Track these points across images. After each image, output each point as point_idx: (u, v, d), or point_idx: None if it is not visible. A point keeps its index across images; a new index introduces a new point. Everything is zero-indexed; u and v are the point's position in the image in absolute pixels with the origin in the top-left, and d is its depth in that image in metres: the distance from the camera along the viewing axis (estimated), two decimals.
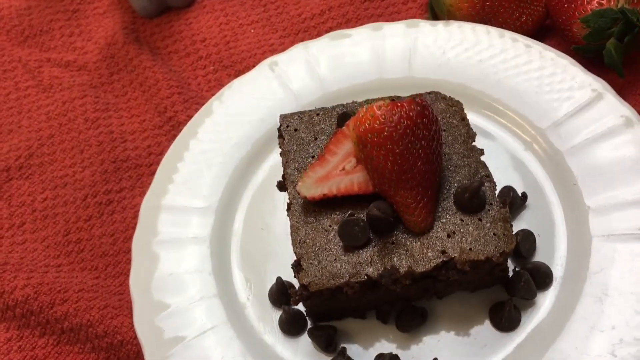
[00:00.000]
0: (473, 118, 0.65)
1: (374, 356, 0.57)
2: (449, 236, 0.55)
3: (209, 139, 0.70)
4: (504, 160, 0.65)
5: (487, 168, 0.58)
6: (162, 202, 0.66)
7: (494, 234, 0.54)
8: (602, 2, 0.66)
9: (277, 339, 0.59)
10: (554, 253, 0.59)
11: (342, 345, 0.58)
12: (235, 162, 0.69)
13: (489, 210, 0.55)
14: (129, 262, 0.67)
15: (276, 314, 0.60)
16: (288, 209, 0.59)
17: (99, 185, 0.74)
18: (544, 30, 0.74)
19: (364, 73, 0.72)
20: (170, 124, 0.76)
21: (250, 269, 0.63)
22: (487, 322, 0.57)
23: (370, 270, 0.54)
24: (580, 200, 0.60)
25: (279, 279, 0.60)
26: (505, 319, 0.56)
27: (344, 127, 0.57)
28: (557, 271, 0.58)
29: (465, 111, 0.63)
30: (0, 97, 0.84)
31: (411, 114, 0.53)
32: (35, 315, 0.65)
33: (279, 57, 0.74)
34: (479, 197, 0.55)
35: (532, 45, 0.68)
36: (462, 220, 0.55)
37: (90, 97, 0.81)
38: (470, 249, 0.53)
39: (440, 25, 0.72)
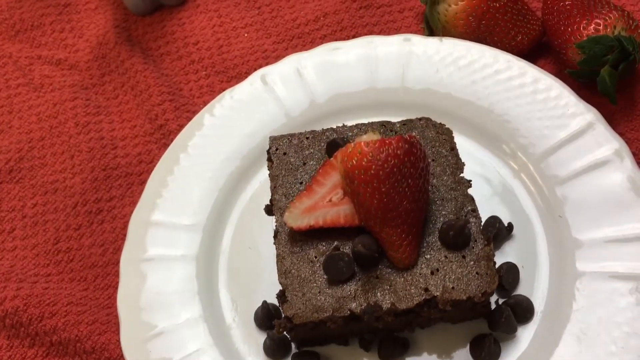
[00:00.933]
0: (462, 142, 0.65)
1: None
2: (432, 273, 0.55)
3: (198, 153, 0.70)
4: (491, 187, 0.65)
5: (473, 202, 0.58)
6: (150, 218, 0.67)
7: (477, 273, 0.55)
8: (599, 27, 0.65)
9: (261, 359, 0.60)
10: (537, 286, 0.60)
11: None
12: (225, 177, 0.69)
13: (473, 247, 0.56)
14: (117, 274, 0.67)
15: (261, 337, 0.61)
16: (275, 237, 0.59)
17: (89, 193, 0.74)
18: (539, 48, 0.73)
19: (356, 90, 0.71)
20: (161, 132, 0.76)
21: (237, 290, 0.64)
22: (468, 355, 0.58)
23: (354, 305, 0.55)
24: (566, 233, 0.60)
25: (264, 303, 0.61)
26: (486, 354, 0.57)
27: (332, 159, 0.57)
28: (539, 305, 0.59)
29: (455, 135, 0.63)
30: None
31: (399, 152, 0.53)
32: (24, 327, 0.66)
33: (271, 69, 0.73)
34: (464, 235, 0.55)
35: (527, 70, 0.68)
36: (446, 257, 0.56)
37: (81, 99, 0.80)
38: (453, 288, 0.54)
39: (435, 41, 0.71)
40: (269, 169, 0.63)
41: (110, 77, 0.82)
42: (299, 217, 0.57)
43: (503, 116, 0.66)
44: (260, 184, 0.69)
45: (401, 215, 0.54)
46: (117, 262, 0.68)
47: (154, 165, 0.71)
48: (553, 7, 0.69)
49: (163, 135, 0.76)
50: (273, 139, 0.64)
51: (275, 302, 0.60)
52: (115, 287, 0.66)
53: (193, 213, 0.67)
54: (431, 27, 0.74)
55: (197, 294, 0.63)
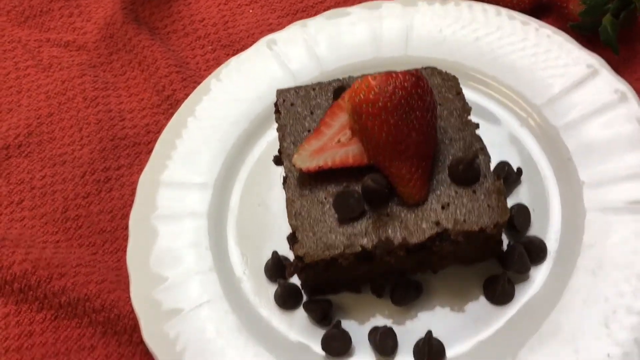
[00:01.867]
0: (469, 95, 0.65)
1: (368, 329, 0.57)
2: (443, 208, 0.55)
3: (206, 117, 0.70)
4: (499, 136, 0.65)
5: (481, 141, 0.58)
6: (160, 178, 0.67)
7: (488, 206, 0.54)
8: None
9: (272, 313, 0.60)
10: (548, 227, 0.59)
11: (337, 318, 0.58)
12: (233, 139, 0.69)
13: (483, 182, 0.55)
14: (126, 238, 0.67)
15: (272, 289, 0.61)
16: (284, 182, 0.59)
17: (97, 162, 0.74)
18: (540, 8, 0.74)
19: (361, 51, 0.72)
20: (169, 102, 0.77)
21: (247, 244, 0.64)
22: (481, 296, 0.57)
23: (365, 241, 0.54)
24: (575, 174, 0.60)
25: (274, 253, 0.61)
26: (499, 293, 0.56)
27: (339, 100, 0.57)
28: (552, 245, 0.58)
29: (462, 88, 0.63)
30: (0, 76, 0.85)
31: (406, 84, 0.53)
32: (33, 290, 0.66)
33: (277, 35, 0.74)
34: (473, 169, 0.55)
35: (529, 23, 0.68)
36: (456, 192, 0.55)
37: (89, 76, 0.81)
38: (464, 220, 0.54)
39: (437, 3, 0.72)
40: (276, 121, 0.63)
41: (118, 56, 0.83)
42: (307, 159, 0.57)
43: (507, 68, 0.67)
44: (267, 144, 0.69)
45: (410, 147, 0.54)
46: (126, 227, 0.68)
47: None
48: None
49: (170, 105, 0.76)
50: (280, 92, 0.64)
51: (286, 254, 0.60)
52: (125, 251, 0.66)
53: (202, 173, 0.67)
54: None
55: (207, 248, 0.63)
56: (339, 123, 0.57)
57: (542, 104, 0.64)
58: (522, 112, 0.65)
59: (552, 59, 0.65)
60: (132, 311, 0.62)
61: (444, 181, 0.56)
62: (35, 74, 0.84)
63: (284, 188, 0.59)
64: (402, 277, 0.58)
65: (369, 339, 0.56)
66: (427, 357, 0.54)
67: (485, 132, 0.63)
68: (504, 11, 0.69)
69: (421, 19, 0.72)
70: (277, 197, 0.65)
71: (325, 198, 0.57)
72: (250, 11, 0.83)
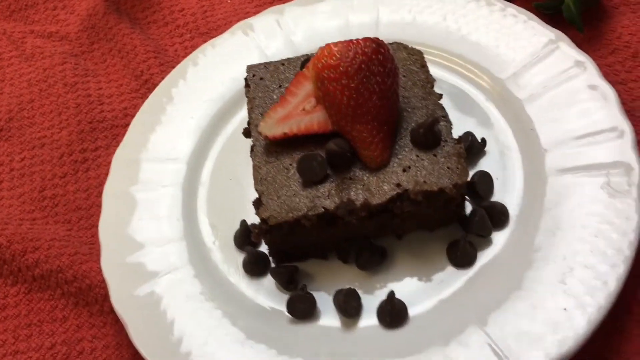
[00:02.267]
0: (437, 72, 0.67)
1: (334, 293, 0.58)
2: (404, 171, 0.56)
3: (181, 97, 0.72)
4: (466, 110, 0.66)
5: (444, 110, 0.60)
6: (134, 152, 0.68)
7: (448, 168, 0.55)
8: None
9: (240, 280, 0.60)
10: (511, 194, 0.60)
11: (303, 283, 0.58)
12: (207, 118, 0.71)
13: (444, 146, 0.57)
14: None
15: (241, 258, 0.62)
16: (251, 151, 0.61)
17: (75, 144, 0.76)
18: None
19: (334, 35, 0.73)
20: (146, 86, 0.78)
21: (217, 216, 0.65)
22: (445, 260, 0.58)
23: (328, 202, 0.55)
24: (537, 143, 0.61)
25: (243, 221, 0.62)
26: (461, 254, 0.57)
27: (304, 69, 0.59)
28: (513, 210, 0.59)
29: (430, 66, 0.64)
30: None
31: (366, 50, 0.55)
32: (7, 264, 0.67)
33: (251, 21, 0.76)
34: (434, 133, 0.56)
35: (494, 3, 0.70)
36: (417, 156, 0.57)
37: (70, 64, 0.83)
38: (424, 182, 0.55)
39: None
40: (246, 95, 0.65)
41: (99, 45, 0.85)
42: (273, 126, 0.59)
43: (473, 46, 0.69)
44: (240, 122, 0.70)
45: (371, 111, 0.55)
46: (100, 204, 0.69)
47: None
48: None
49: (148, 89, 0.78)
50: (250, 67, 0.66)
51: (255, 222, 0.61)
52: (98, 227, 0.67)
53: (175, 148, 0.68)
54: None
55: (178, 219, 0.64)
56: (304, 92, 0.58)
57: (506, 78, 0.66)
58: (487, 86, 0.67)
59: (516, 35, 0.67)
60: (104, 281, 0.63)
61: (406, 146, 0.57)
62: (19, 63, 0.86)
63: (251, 157, 0.60)
64: (367, 243, 0.59)
65: (333, 302, 0.57)
66: (390, 317, 0.55)
67: (453, 106, 0.65)
68: None
69: (391, 3, 0.73)
70: (248, 172, 0.66)
71: (291, 164, 0.58)
72: (228, 1, 0.85)
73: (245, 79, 0.65)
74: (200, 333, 0.56)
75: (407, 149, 0.57)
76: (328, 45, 0.55)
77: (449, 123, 0.58)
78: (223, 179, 0.67)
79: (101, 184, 0.72)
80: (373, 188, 0.56)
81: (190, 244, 0.62)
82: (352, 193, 0.55)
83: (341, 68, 0.54)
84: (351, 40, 0.55)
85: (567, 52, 0.64)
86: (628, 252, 0.52)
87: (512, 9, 0.69)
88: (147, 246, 0.62)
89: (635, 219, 0.54)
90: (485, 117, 0.65)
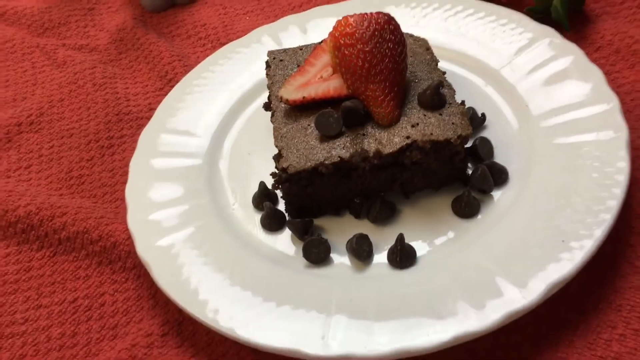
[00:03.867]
0: (443, 64, 0.73)
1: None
2: (412, 126, 0.61)
3: (205, 86, 0.78)
4: (468, 92, 0.72)
5: (447, 81, 0.66)
6: (159, 130, 0.73)
7: (453, 123, 0.61)
8: None
9: (259, 233, 0.64)
10: (510, 158, 0.65)
11: (318, 233, 0.62)
12: (228, 103, 0.77)
13: (448, 107, 0.63)
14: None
15: (258, 217, 0.66)
16: (272, 116, 0.66)
17: (102, 132, 0.81)
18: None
19: None
20: (170, 84, 0.85)
21: (237, 183, 0.69)
22: (450, 215, 0.63)
23: (343, 152, 0.60)
24: (531, 117, 0.67)
25: (261, 182, 0.67)
26: (465, 205, 0.61)
27: (322, 43, 0.65)
28: (512, 171, 0.64)
29: (442, 61, 0.71)
30: (18, 73, 0.93)
31: (379, 20, 0.62)
32: (35, 229, 0.70)
33: (272, 26, 0.84)
34: (440, 95, 0.62)
35: (490, 7, 0.78)
36: (424, 115, 0.62)
37: (99, 68, 0.90)
38: (431, 134, 0.60)
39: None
40: (266, 75, 0.71)
41: (127, 54, 0.92)
42: (293, 92, 0.65)
43: (472, 41, 0.76)
44: (258, 107, 0.76)
45: (383, 72, 0.61)
46: (126, 182, 0.74)
47: None
48: None
49: (172, 87, 0.84)
50: (270, 52, 0.73)
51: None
52: (124, 199, 0.71)
53: (199, 126, 0.74)
54: None
55: (202, 184, 0.68)
56: (321, 62, 0.65)
57: (501, 68, 0.73)
58: (486, 74, 0.73)
59: (509, 30, 0.75)
60: (128, 238, 0.67)
61: (414, 108, 0.63)
62: (50, 70, 0.93)
63: (272, 121, 0.66)
64: (378, 197, 0.63)
65: (346, 247, 0.61)
66: (399, 257, 0.58)
67: (456, 90, 0.71)
68: (473, 2, 0.80)
69: (399, 7, 0.82)
70: (266, 147, 0.71)
71: (308, 125, 0.64)
72: (247, 18, 0.94)
73: (266, 62, 0.72)
74: (218, 276, 0.60)
75: (415, 110, 0.63)
76: (345, 17, 0.62)
77: (452, 90, 0.65)
78: (242, 153, 0.72)
79: (126, 165, 0.77)
80: (385, 141, 0.61)
81: (212, 205, 0.67)
82: (366, 145, 0.61)
83: (357, 34, 0.61)
84: (365, 13, 0.62)
85: (554, 42, 0.71)
86: (620, 194, 0.57)
87: (505, 11, 0.77)
88: (169, 206, 0.66)
89: (624, 168, 0.59)
90: (486, 98, 0.72)
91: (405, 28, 0.78)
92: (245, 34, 0.90)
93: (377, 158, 0.60)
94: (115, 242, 0.67)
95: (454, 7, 0.79)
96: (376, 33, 0.61)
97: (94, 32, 0.98)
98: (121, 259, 0.67)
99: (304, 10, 0.92)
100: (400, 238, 0.59)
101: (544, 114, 0.66)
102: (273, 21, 0.92)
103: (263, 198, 0.66)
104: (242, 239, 0.64)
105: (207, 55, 0.89)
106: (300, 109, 0.65)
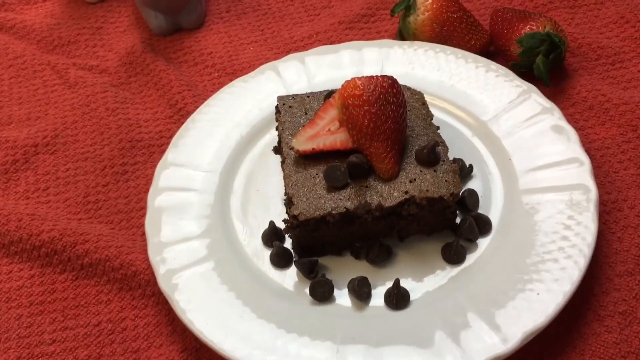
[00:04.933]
0: (434, 113, 0.81)
1: (348, 281, 0.69)
2: (410, 182, 0.69)
3: (214, 121, 0.84)
4: (457, 143, 0.80)
5: (441, 138, 0.74)
6: (174, 163, 0.80)
7: (446, 181, 0.69)
8: (533, 27, 0.84)
9: (268, 270, 0.72)
10: (493, 208, 0.74)
11: (322, 273, 0.70)
12: (237, 139, 0.83)
13: (442, 165, 0.70)
14: (141, 217, 0.79)
15: (267, 254, 0.73)
16: (282, 163, 0.73)
17: (117, 158, 0.87)
18: (488, 54, 0.92)
19: (346, 77, 0.88)
20: (180, 113, 0.91)
21: (247, 219, 0.76)
22: (439, 259, 0.71)
23: (348, 204, 0.68)
24: (513, 170, 0.76)
25: (271, 222, 0.74)
26: (454, 252, 0.70)
27: (330, 99, 0.72)
28: (495, 221, 0.72)
29: (433, 110, 0.79)
30: (30, 92, 0.98)
31: (384, 84, 0.69)
32: (58, 254, 0.76)
33: (278, 62, 0.90)
34: (435, 153, 0.70)
35: (480, 61, 0.86)
36: (421, 171, 0.70)
37: (111, 92, 0.95)
38: (427, 190, 0.68)
39: (407, 44, 0.90)
40: (277, 119, 0.78)
41: (136, 78, 0.98)
42: (303, 143, 0.72)
43: (461, 93, 0.84)
44: (265, 145, 0.83)
45: (386, 132, 0.69)
46: (140, 209, 0.81)
47: None
48: (498, 18, 0.88)
49: (182, 116, 0.90)
50: (280, 97, 0.80)
51: (280, 225, 0.73)
52: (140, 227, 0.78)
53: (210, 161, 0.80)
54: (404, 37, 0.93)
55: (214, 219, 0.75)
56: (329, 116, 0.72)
57: (488, 120, 0.81)
58: (473, 125, 0.81)
59: (496, 86, 0.83)
60: (148, 268, 0.73)
61: (412, 163, 0.71)
62: (62, 90, 0.97)
63: (282, 168, 0.73)
64: (376, 241, 0.71)
65: (348, 287, 0.69)
66: (395, 300, 0.67)
67: (446, 139, 0.79)
68: (461, 53, 0.87)
69: (395, 55, 0.89)
70: (274, 185, 0.78)
71: (317, 174, 0.71)
72: (251, 48, 1.00)
73: (276, 107, 0.79)
74: (233, 310, 0.67)
75: (412, 166, 0.71)
76: (353, 79, 0.69)
77: (446, 148, 0.72)
78: (251, 190, 0.79)
79: (140, 192, 0.83)
80: (385, 194, 0.68)
81: (224, 241, 0.74)
82: (368, 197, 0.68)
83: (364, 97, 0.68)
84: (372, 76, 0.69)
85: (537, 100, 0.79)
86: (587, 251, 0.66)
87: (494, 65, 0.85)
88: (186, 241, 0.73)
89: (592, 228, 0.67)
90: (472, 149, 0.80)
91: (400, 75, 0.85)
92: (250, 64, 0.97)
93: (378, 210, 0.68)
94: (136, 271, 0.74)
95: (447, 62, 0.86)
96: (381, 96, 0.68)
97: (103, 52, 1.02)
98: (141, 286, 0.73)
99: (305, 43, 0.99)
100: (397, 283, 0.67)
101: (522, 171, 0.75)
102: (276, 53, 0.99)
103: (272, 237, 0.73)
104: (253, 275, 0.71)
105: (214, 85, 0.95)
106: (309, 158, 0.72)
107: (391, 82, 0.69)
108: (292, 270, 0.72)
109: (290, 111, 0.78)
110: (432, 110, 0.82)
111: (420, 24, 0.89)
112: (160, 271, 0.70)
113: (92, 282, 0.75)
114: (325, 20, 1.02)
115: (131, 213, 0.82)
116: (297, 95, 0.80)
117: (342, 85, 0.70)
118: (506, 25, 0.87)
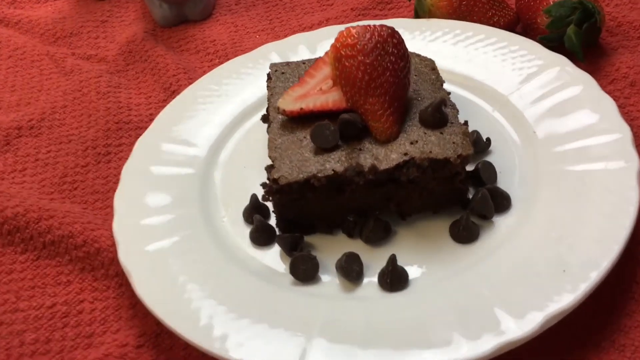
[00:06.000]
0: (453, 89, 0.71)
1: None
2: (411, 143, 0.59)
3: (204, 99, 0.77)
4: (474, 116, 0.69)
5: (451, 101, 0.64)
6: (155, 138, 0.72)
7: (454, 142, 0.58)
8: None
9: (247, 247, 0.62)
10: (514, 184, 0.62)
11: (308, 250, 0.60)
12: (229, 116, 0.75)
13: (450, 126, 0.60)
14: None
15: (249, 231, 0.63)
16: (268, 127, 0.64)
17: (100, 139, 0.80)
18: (514, 26, 0.82)
19: None
20: (173, 96, 0.83)
21: (230, 196, 0.67)
22: (447, 239, 0.60)
23: (337, 166, 0.58)
24: (538, 143, 0.65)
25: (253, 195, 0.64)
26: (463, 229, 0.58)
27: (324, 56, 0.64)
28: (516, 198, 0.61)
29: (449, 84, 0.70)
30: (25, 79, 0.93)
31: (382, 33, 0.60)
32: (20, 231, 0.68)
33: (279, 43, 0.83)
34: (441, 112, 0.60)
35: (503, 33, 0.76)
36: (425, 133, 0.60)
37: (105, 78, 0.89)
38: (430, 151, 0.58)
39: (422, 21, 0.81)
40: (267, 87, 0.70)
41: (134, 65, 0.92)
42: (291, 103, 0.63)
43: (481, 67, 0.74)
44: (257, 121, 0.74)
45: (383, 85, 0.59)
46: None
47: None
48: None
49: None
50: (273, 64, 0.71)
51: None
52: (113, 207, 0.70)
53: (197, 136, 0.72)
54: (420, 17, 0.84)
55: (193, 193, 0.66)
56: (322, 74, 0.63)
57: (509, 94, 0.70)
58: (494, 100, 0.71)
59: (519, 57, 0.73)
60: (113, 245, 0.64)
61: (414, 125, 0.61)
62: (57, 77, 0.92)
63: (268, 132, 0.64)
64: (372, 216, 0.60)
65: (335, 266, 0.58)
66: (390, 279, 0.55)
67: (463, 115, 0.69)
68: (479, 26, 0.78)
69: (409, 31, 0.80)
70: (261, 161, 0.69)
71: (304, 137, 0.62)
72: (257, 37, 0.93)
73: (268, 74, 0.71)
74: (196, 287, 0.57)
75: (415, 128, 0.61)
76: (348, 28, 0.61)
77: (456, 110, 0.62)
78: (238, 166, 0.70)
79: (120, 174, 0.75)
80: (381, 157, 0.58)
81: (201, 215, 0.64)
82: (362, 159, 0.58)
83: (358, 46, 0.59)
84: (368, 25, 0.60)
85: (567, 70, 0.69)
86: (628, 224, 0.54)
87: (517, 39, 0.75)
88: (157, 214, 0.64)
89: (635, 201, 0.55)
90: (492, 123, 0.69)
91: (415, 51, 0.76)
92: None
93: (372, 173, 0.57)
94: (100, 248, 0.65)
95: (464, 33, 0.77)
96: (378, 45, 0.59)
97: (105, 43, 0.97)
98: (104, 266, 0.64)
99: (315, 30, 0.91)
100: (392, 259, 0.56)
101: (551, 141, 0.64)
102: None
103: (254, 211, 0.64)
104: (229, 252, 0.61)
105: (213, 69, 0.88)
106: (297, 121, 0.63)
107: (391, 31, 0.60)
108: (276, 249, 0.61)
109: (283, 77, 0.69)
110: (453, 87, 0.72)
111: None
112: (121, 246, 0.61)
113: (54, 262, 0.67)
114: (337, 8, 0.95)
115: (108, 193, 0.73)
116: (291, 62, 0.71)
117: (336, 37, 0.61)
118: None
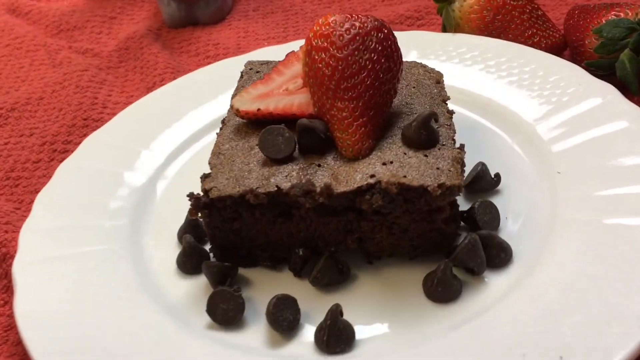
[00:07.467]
0: (459, 109, 0.58)
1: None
2: (384, 164, 0.45)
3: (173, 100, 0.66)
4: (489, 148, 0.56)
5: (451, 121, 0.50)
6: (107, 137, 0.62)
7: (437, 168, 0.44)
8: (619, 14, 0.60)
9: (171, 272, 0.49)
10: (521, 234, 0.47)
11: (238, 286, 0.46)
12: (197, 119, 0.64)
13: (439, 149, 0.46)
14: None
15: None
16: (220, 129, 0.52)
17: (61, 135, 0.71)
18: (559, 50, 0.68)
19: None
20: None
21: (171, 212, 0.55)
22: (421, 293, 0.45)
23: (283, 181, 0.45)
24: (562, 186, 0.49)
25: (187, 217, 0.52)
26: (438, 284, 0.44)
27: (298, 50, 0.52)
28: (521, 255, 0.46)
29: (461, 107, 0.57)
30: (14, 68, 0.86)
31: (365, 24, 0.47)
32: None
33: (278, 47, 0.72)
34: (429, 130, 0.46)
35: (534, 52, 0.62)
36: (405, 153, 0.46)
37: (90, 72, 0.80)
38: (404, 176, 0.44)
39: (445, 35, 0.68)
40: (236, 88, 0.58)
41: (126, 63, 0.83)
42: (248, 102, 0.51)
43: (505, 90, 0.60)
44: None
45: (357, 87, 0.46)
46: None
47: None
48: (575, 11, 0.65)
49: None
50: (249, 62, 0.60)
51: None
52: None
53: (153, 140, 0.61)
54: (446, 31, 0.71)
55: (129, 203, 0.55)
56: (291, 72, 0.51)
57: (536, 122, 0.56)
58: (516, 130, 0.57)
59: (555, 83, 0.58)
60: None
61: (394, 143, 0.47)
62: (45, 69, 0.84)
63: (217, 135, 0.52)
64: (327, 253, 0.47)
65: (266, 312, 0.44)
66: (327, 337, 0.41)
67: (474, 143, 0.55)
68: (510, 44, 0.64)
69: (429, 47, 0.67)
70: None
71: (256, 145, 0.49)
72: (265, 44, 0.82)
73: (241, 72, 0.59)
74: (87, 318, 0.45)
75: (395, 146, 0.47)
76: (325, 15, 0.49)
77: (452, 130, 0.48)
78: (190, 178, 0.58)
79: None
80: (342, 177, 0.45)
81: (131, 230, 0.53)
82: (317, 177, 0.45)
83: (332, 37, 0.47)
84: (353, 14, 0.48)
85: (613, 101, 0.54)
86: None
87: (556, 60, 0.61)
88: (80, 219, 0.53)
89: None
90: (508, 156, 0.55)
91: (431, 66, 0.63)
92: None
93: (324, 196, 0.44)
94: (7, 253, 0.54)
95: (486, 52, 0.64)
96: (357, 38, 0.47)
97: (106, 39, 0.89)
98: (7, 276, 0.53)
99: None
100: (333, 310, 0.42)
101: (580, 184, 0.49)
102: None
103: (188, 231, 0.51)
104: (144, 276, 0.49)
105: None
106: (254, 125, 0.51)
107: (377, 24, 0.48)
108: (203, 280, 0.48)
109: (256, 76, 0.57)
110: (470, 112, 0.59)
111: (467, 9, 0.67)
112: (19, 254, 0.50)
113: None
114: None
115: None
116: (270, 62, 0.60)
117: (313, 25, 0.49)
118: (583, 15, 0.63)
